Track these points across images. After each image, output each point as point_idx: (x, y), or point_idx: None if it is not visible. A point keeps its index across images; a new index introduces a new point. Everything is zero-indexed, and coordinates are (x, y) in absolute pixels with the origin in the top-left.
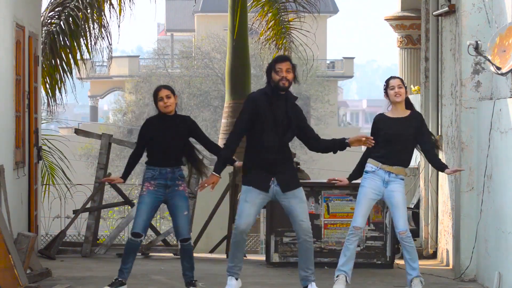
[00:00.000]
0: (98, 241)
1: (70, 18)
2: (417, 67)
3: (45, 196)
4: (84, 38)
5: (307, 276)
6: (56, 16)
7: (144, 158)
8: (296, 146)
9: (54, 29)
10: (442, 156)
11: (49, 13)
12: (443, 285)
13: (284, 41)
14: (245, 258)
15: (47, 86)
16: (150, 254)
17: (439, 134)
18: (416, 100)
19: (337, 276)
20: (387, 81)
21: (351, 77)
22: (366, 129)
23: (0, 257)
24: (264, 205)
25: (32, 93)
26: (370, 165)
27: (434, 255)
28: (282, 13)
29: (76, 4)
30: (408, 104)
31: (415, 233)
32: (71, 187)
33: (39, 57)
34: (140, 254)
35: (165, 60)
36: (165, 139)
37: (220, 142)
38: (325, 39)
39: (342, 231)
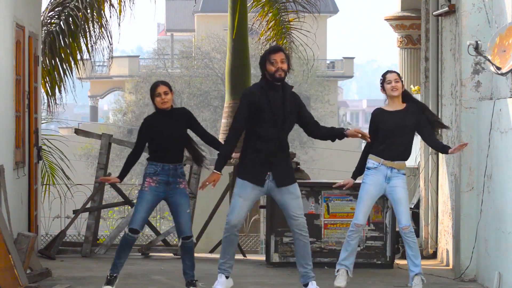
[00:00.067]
0: (98, 241)
1: (70, 18)
2: (417, 67)
3: (45, 196)
4: (84, 38)
5: (307, 272)
6: (56, 16)
7: (142, 158)
8: (296, 146)
9: (54, 29)
10: (442, 156)
11: (49, 13)
12: (443, 285)
13: (285, 41)
14: (245, 258)
15: (47, 86)
16: (150, 254)
17: (439, 134)
18: None
19: (337, 270)
20: (384, 75)
21: (351, 77)
22: (366, 129)
23: (0, 257)
24: (257, 200)
25: (32, 93)
26: (372, 161)
27: (434, 255)
28: (282, 13)
29: (76, 4)
30: (407, 96)
31: (415, 233)
32: (71, 187)
33: (39, 57)
34: (140, 254)
35: (165, 60)
36: (166, 134)
37: None
38: (325, 39)
39: (342, 231)
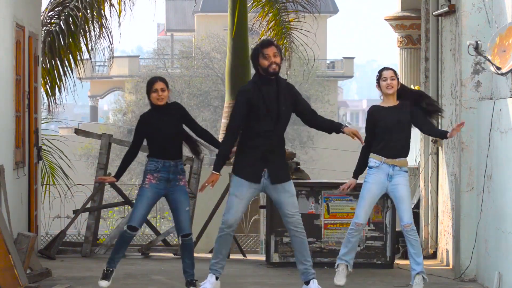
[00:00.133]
0: (98, 241)
1: (70, 18)
2: (417, 67)
3: (45, 196)
4: (84, 38)
5: (307, 269)
6: (56, 16)
7: (142, 158)
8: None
9: (54, 29)
10: (442, 156)
11: (49, 13)
12: (443, 285)
13: (285, 41)
14: (245, 258)
15: (47, 86)
16: (150, 254)
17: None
18: None
19: (337, 266)
20: (380, 72)
21: (351, 77)
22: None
23: (0, 257)
24: (253, 199)
25: (32, 93)
26: (374, 160)
27: (434, 255)
28: (283, 14)
29: (76, 4)
30: (403, 91)
31: None
32: (71, 187)
33: (39, 57)
34: (140, 254)
35: (165, 60)
36: (164, 129)
37: None
38: (325, 39)
39: (342, 231)
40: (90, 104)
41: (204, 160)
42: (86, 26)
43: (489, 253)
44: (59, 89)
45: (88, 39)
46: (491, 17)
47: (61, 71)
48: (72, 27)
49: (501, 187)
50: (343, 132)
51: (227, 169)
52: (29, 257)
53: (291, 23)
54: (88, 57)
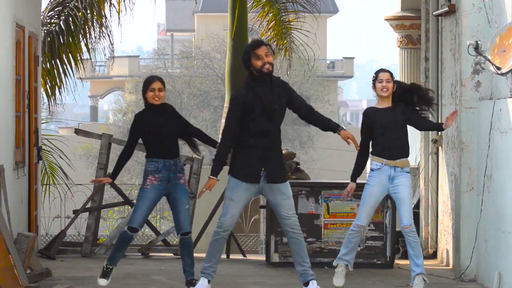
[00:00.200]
0: (98, 241)
1: (70, 18)
2: (417, 67)
3: (45, 196)
4: (84, 38)
5: (305, 270)
6: (56, 16)
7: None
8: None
9: (54, 29)
10: (442, 156)
11: (48, 12)
12: (443, 285)
13: (285, 41)
14: (245, 258)
15: (47, 86)
16: (150, 254)
17: (439, 134)
18: None
19: (336, 266)
20: (377, 73)
21: (351, 77)
22: None
23: (0, 257)
24: (249, 201)
25: (32, 93)
26: (375, 162)
27: (434, 255)
28: (283, 14)
29: (76, 4)
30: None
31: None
32: (71, 187)
33: (39, 57)
34: (140, 254)
35: (165, 60)
36: (164, 128)
37: None
38: (325, 39)
39: (342, 231)
40: (90, 104)
41: (204, 160)
42: (86, 26)
43: (489, 253)
44: (59, 89)
45: (88, 39)
46: (491, 17)
47: (61, 71)
48: (72, 27)
49: (501, 187)
50: (339, 134)
51: (226, 169)
52: (29, 257)
53: (291, 23)
54: (88, 57)
